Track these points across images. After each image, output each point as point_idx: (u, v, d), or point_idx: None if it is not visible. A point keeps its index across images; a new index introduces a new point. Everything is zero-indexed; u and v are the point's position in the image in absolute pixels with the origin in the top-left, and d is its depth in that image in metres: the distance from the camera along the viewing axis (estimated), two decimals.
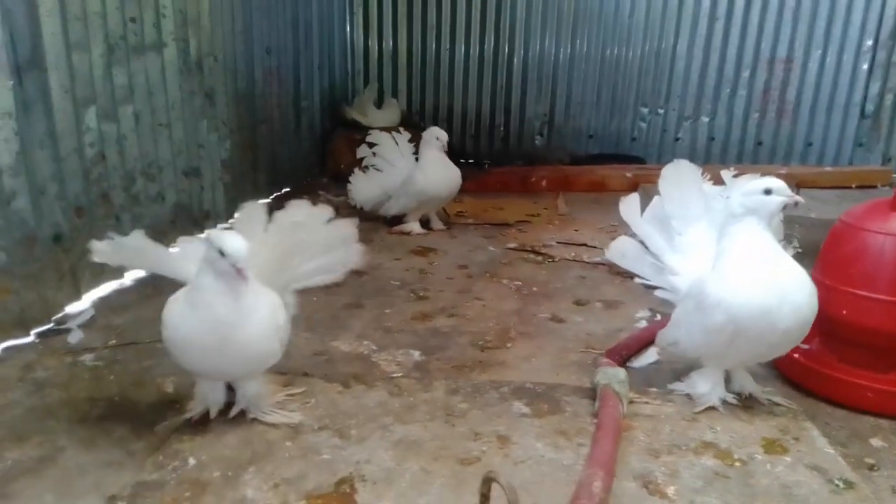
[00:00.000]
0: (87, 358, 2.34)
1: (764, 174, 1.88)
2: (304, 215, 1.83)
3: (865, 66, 6.09)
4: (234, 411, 1.80)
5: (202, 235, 1.76)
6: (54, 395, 2.07)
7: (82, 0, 2.72)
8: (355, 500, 1.47)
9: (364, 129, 5.98)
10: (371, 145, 4.30)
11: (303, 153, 5.49)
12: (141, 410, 1.99)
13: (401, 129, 4.46)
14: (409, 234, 4.07)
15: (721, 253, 1.85)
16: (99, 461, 1.72)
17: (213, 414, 1.80)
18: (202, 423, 1.79)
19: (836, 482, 1.57)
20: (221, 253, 1.55)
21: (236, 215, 1.92)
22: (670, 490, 1.53)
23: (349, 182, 4.36)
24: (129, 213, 3.12)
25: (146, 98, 3.22)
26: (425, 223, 4.19)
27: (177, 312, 1.66)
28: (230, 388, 1.84)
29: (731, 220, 1.82)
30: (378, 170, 4.25)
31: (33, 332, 2.50)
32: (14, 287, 2.44)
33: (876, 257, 2.09)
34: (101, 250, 1.75)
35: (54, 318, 2.62)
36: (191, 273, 1.69)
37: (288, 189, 5.00)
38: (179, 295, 1.71)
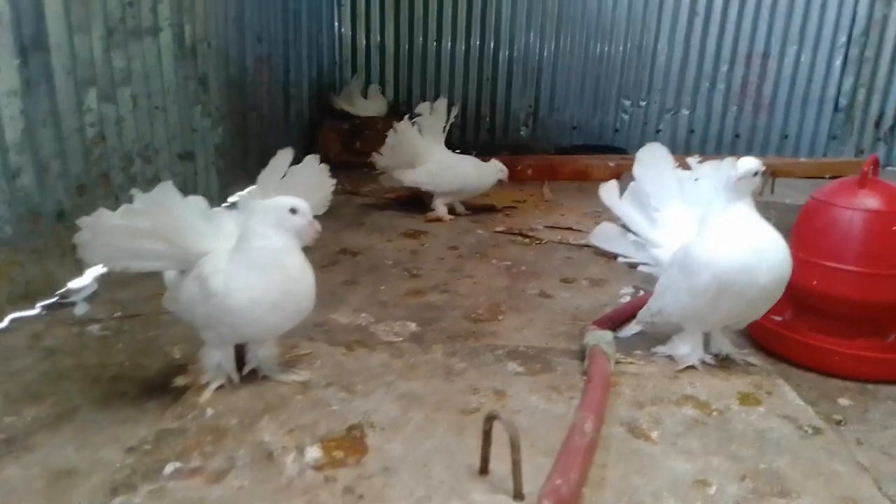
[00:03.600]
0: (94, 328, 2.42)
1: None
2: (318, 168, 2.04)
3: (839, 62, 6.31)
4: (245, 370, 1.89)
5: (252, 203, 1.82)
6: (65, 361, 2.15)
7: None
8: (366, 443, 1.58)
9: (351, 118, 6.10)
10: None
11: (291, 141, 5.54)
12: (150, 374, 2.08)
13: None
14: (440, 219, 4.17)
15: (706, 222, 2.00)
16: (114, 418, 1.80)
17: (235, 378, 1.88)
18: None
19: (806, 428, 1.71)
20: (293, 211, 1.71)
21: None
22: (654, 434, 1.66)
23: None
24: (127, 193, 3.16)
25: (143, 81, 3.29)
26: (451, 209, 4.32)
27: (242, 278, 1.71)
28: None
29: (718, 199, 1.97)
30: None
31: (38, 304, 2.57)
32: (19, 260, 2.51)
33: (844, 231, 2.25)
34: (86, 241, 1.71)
35: (58, 292, 2.68)
36: (206, 245, 1.78)
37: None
38: (220, 265, 1.74)
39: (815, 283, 2.26)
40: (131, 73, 3.17)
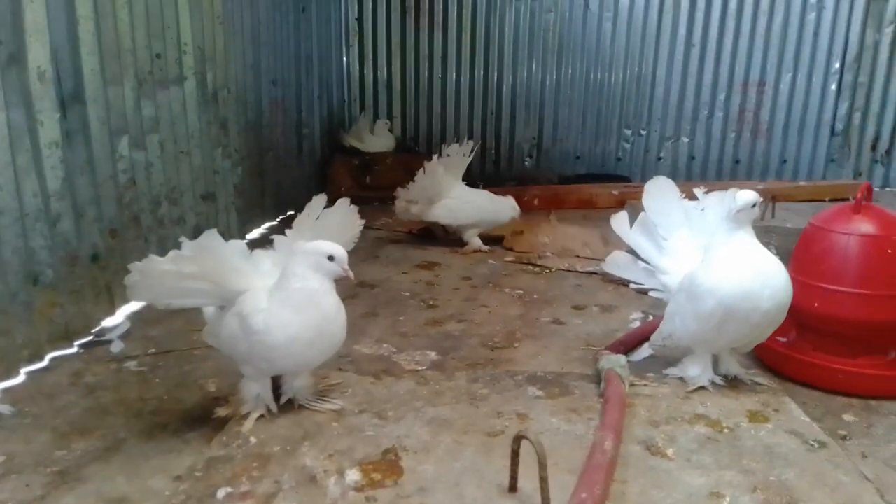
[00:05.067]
0: (131, 365, 2.54)
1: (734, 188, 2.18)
2: (348, 210, 2.20)
3: (833, 88, 6.50)
4: (282, 400, 2.02)
5: (294, 245, 1.96)
6: (107, 397, 2.27)
7: (116, 38, 2.97)
8: (401, 466, 1.69)
9: (361, 154, 6.29)
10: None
11: (304, 178, 5.74)
12: (189, 407, 2.20)
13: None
14: (478, 250, 4.33)
15: (710, 251, 2.13)
16: (159, 448, 1.92)
17: (273, 409, 2.01)
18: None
19: (812, 443, 1.82)
20: (331, 258, 1.86)
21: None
22: (670, 451, 1.77)
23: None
24: (156, 234, 3.34)
25: (170, 128, 3.47)
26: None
27: (281, 317, 1.85)
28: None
29: (721, 229, 2.11)
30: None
31: (76, 343, 2.70)
32: (59, 301, 2.65)
33: (842, 255, 2.38)
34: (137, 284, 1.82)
35: (93, 331, 2.82)
36: (245, 284, 1.93)
37: (292, 212, 5.24)
38: (261, 304, 1.87)
39: (816, 304, 2.37)
40: (159, 120, 3.35)
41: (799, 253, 2.56)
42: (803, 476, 1.66)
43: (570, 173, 6.80)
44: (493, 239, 4.52)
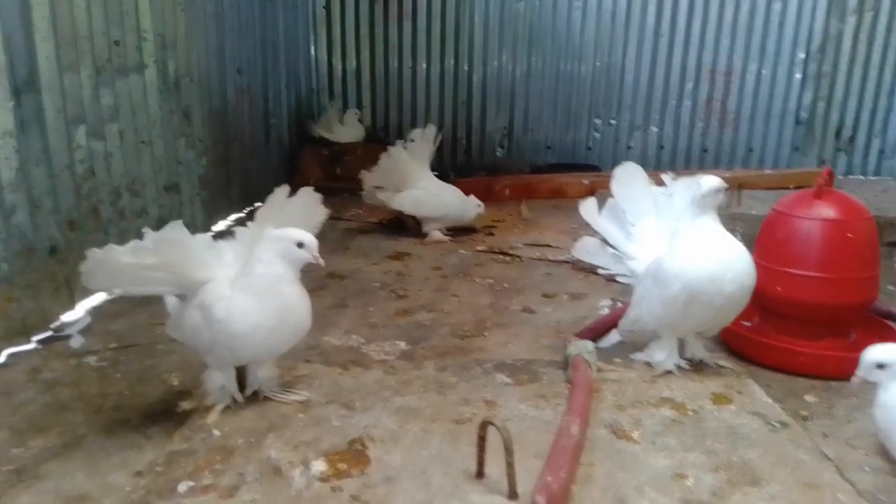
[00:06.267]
0: (91, 360, 2.48)
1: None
2: (312, 198, 2.17)
3: (798, 77, 6.60)
4: (247, 392, 1.98)
5: (264, 231, 1.93)
6: (66, 393, 2.21)
7: (72, 24, 2.87)
8: (367, 455, 1.68)
9: (330, 145, 6.22)
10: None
11: (272, 168, 5.65)
12: (151, 401, 2.15)
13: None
14: (441, 242, 4.31)
15: (675, 237, 2.15)
16: (120, 444, 1.87)
17: (239, 399, 1.97)
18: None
19: (774, 423, 1.85)
20: (300, 245, 1.84)
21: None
22: (635, 434, 1.79)
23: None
24: (116, 226, 3.25)
25: (130, 117, 3.37)
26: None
27: (243, 305, 1.82)
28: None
29: (686, 215, 2.12)
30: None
31: (34, 339, 2.62)
32: (15, 296, 2.57)
33: (803, 239, 2.42)
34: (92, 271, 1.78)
35: (52, 326, 2.74)
36: (207, 275, 1.88)
37: (259, 203, 5.15)
38: (223, 293, 1.85)
39: (779, 289, 2.41)
40: (118, 109, 3.26)
41: (762, 238, 2.60)
42: (765, 456, 1.68)
43: (541, 163, 6.81)
44: (461, 229, 4.50)
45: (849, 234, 2.38)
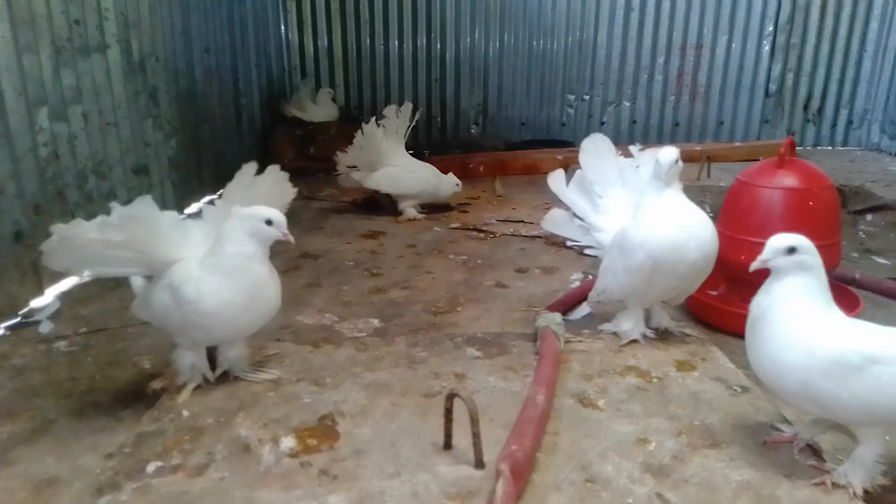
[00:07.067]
0: (61, 345, 2.46)
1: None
2: (279, 177, 2.15)
3: (767, 49, 6.66)
4: (218, 372, 1.98)
5: (232, 209, 1.90)
6: (35, 378, 2.19)
7: (29, 3, 2.80)
8: (337, 430, 1.70)
9: (304, 125, 6.15)
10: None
11: (245, 150, 5.58)
12: (122, 385, 2.14)
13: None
14: (415, 219, 4.30)
15: (640, 207, 2.17)
16: (90, 428, 1.87)
17: (210, 377, 1.98)
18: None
19: (735, 388, 1.90)
20: (269, 223, 1.83)
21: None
22: (601, 402, 1.83)
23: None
24: (83, 210, 3.20)
25: (93, 98, 3.31)
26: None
27: (212, 283, 1.81)
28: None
29: (650, 187, 2.15)
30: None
31: (2, 325, 2.59)
32: None
33: (766, 208, 2.47)
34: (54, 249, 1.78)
35: (21, 312, 2.70)
36: (175, 254, 1.87)
37: None
38: (192, 273, 1.84)
39: (742, 257, 2.45)
40: (81, 90, 3.19)
41: (727, 208, 2.64)
42: (726, 419, 1.73)
43: (515, 140, 6.82)
44: (436, 207, 4.51)
45: (810, 203, 2.43)
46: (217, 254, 1.83)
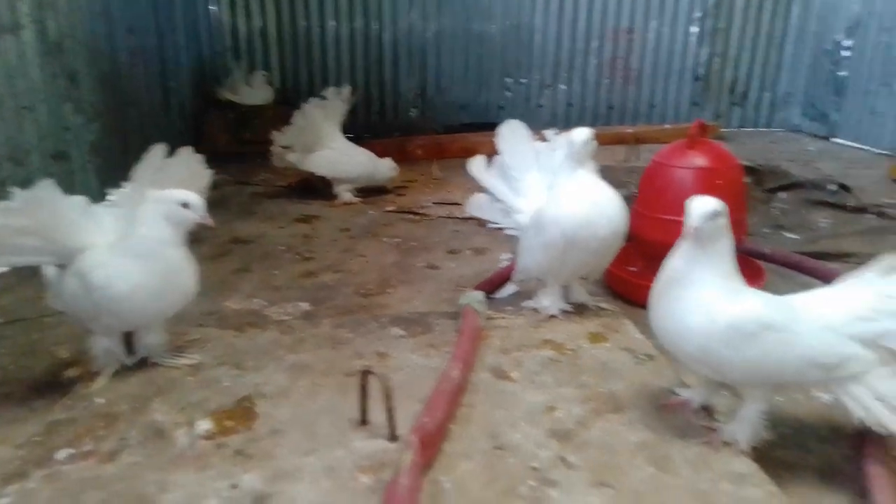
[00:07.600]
0: None
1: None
2: (193, 159, 2.12)
3: (695, 34, 6.88)
4: (135, 359, 1.96)
5: (148, 193, 1.87)
6: None
7: None
8: (255, 412, 1.71)
9: (238, 108, 6.02)
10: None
11: (174, 134, 5.42)
12: (36, 375, 2.10)
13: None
14: (351, 203, 4.29)
15: (553, 188, 2.25)
16: (2, 419, 1.83)
17: (127, 362, 1.95)
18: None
19: (641, 357, 2.01)
20: (185, 206, 1.80)
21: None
22: (514, 374, 1.90)
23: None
24: None
25: (7, 81, 3.17)
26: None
27: (121, 268, 1.78)
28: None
29: (563, 167, 2.23)
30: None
31: None
32: None
33: (678, 187, 2.58)
34: None
35: None
36: (84, 240, 1.84)
37: None
38: (101, 259, 1.81)
39: (657, 236, 2.58)
40: None
41: (643, 188, 2.76)
42: (630, 386, 1.83)
43: (454, 123, 6.85)
44: (372, 190, 4.51)
45: (718, 181, 2.56)
46: (129, 238, 1.80)
